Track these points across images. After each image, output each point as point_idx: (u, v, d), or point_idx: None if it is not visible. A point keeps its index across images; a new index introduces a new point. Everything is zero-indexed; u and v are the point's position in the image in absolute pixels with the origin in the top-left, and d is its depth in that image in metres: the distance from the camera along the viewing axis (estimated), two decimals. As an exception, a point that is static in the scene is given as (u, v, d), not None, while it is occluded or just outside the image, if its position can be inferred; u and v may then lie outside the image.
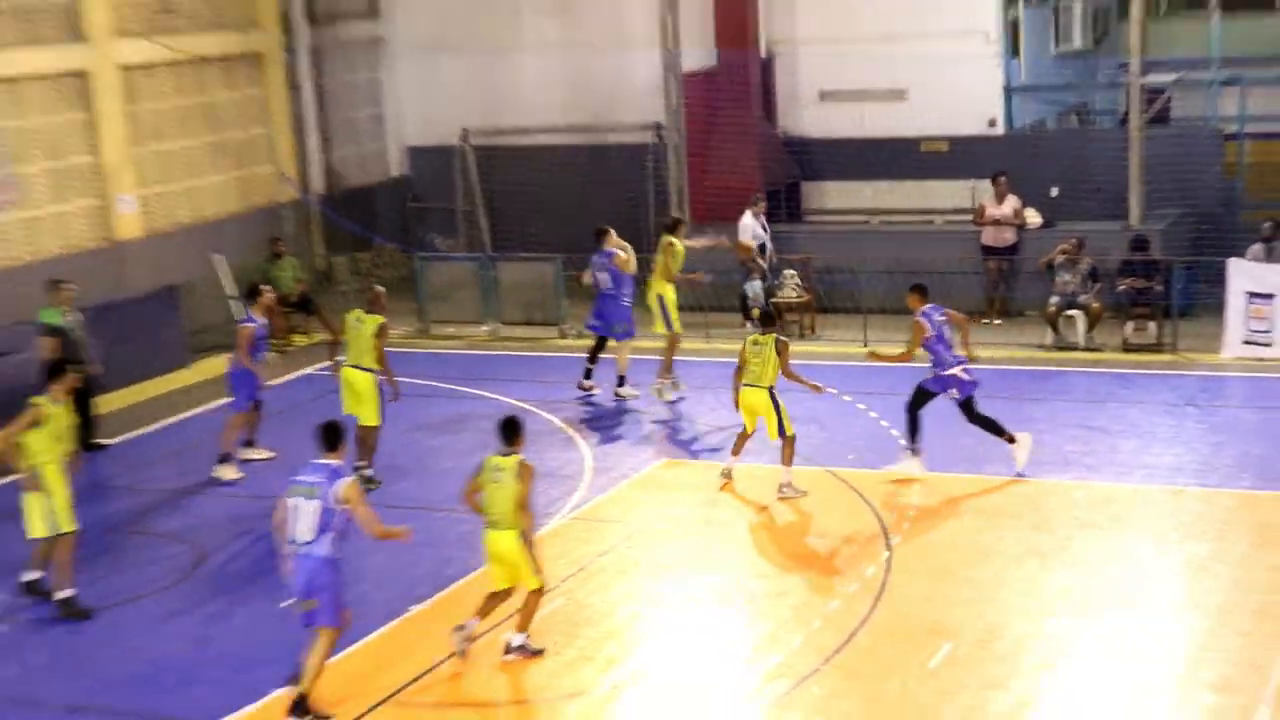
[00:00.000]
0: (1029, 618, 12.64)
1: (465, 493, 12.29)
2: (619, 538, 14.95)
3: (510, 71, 27.19)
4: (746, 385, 15.77)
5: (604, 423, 18.88)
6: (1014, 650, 12.08)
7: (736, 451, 16.22)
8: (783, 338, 15.93)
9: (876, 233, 23.38)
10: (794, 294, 22.85)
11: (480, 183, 27.05)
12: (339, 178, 27.55)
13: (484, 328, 23.84)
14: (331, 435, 11.61)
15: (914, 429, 16.21)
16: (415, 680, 12.06)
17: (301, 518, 11.25)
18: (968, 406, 16.10)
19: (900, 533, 14.72)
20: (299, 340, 23.80)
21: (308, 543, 11.25)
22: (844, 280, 22.89)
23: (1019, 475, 16.00)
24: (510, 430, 12.20)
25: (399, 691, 11.87)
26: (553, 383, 20.78)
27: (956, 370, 15.99)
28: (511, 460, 12.03)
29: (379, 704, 11.69)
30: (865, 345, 20.27)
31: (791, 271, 23.04)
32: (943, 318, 16.11)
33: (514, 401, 19.81)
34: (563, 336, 23.29)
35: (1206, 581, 13.31)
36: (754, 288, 22.93)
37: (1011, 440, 16.21)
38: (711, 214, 25.11)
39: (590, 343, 20.41)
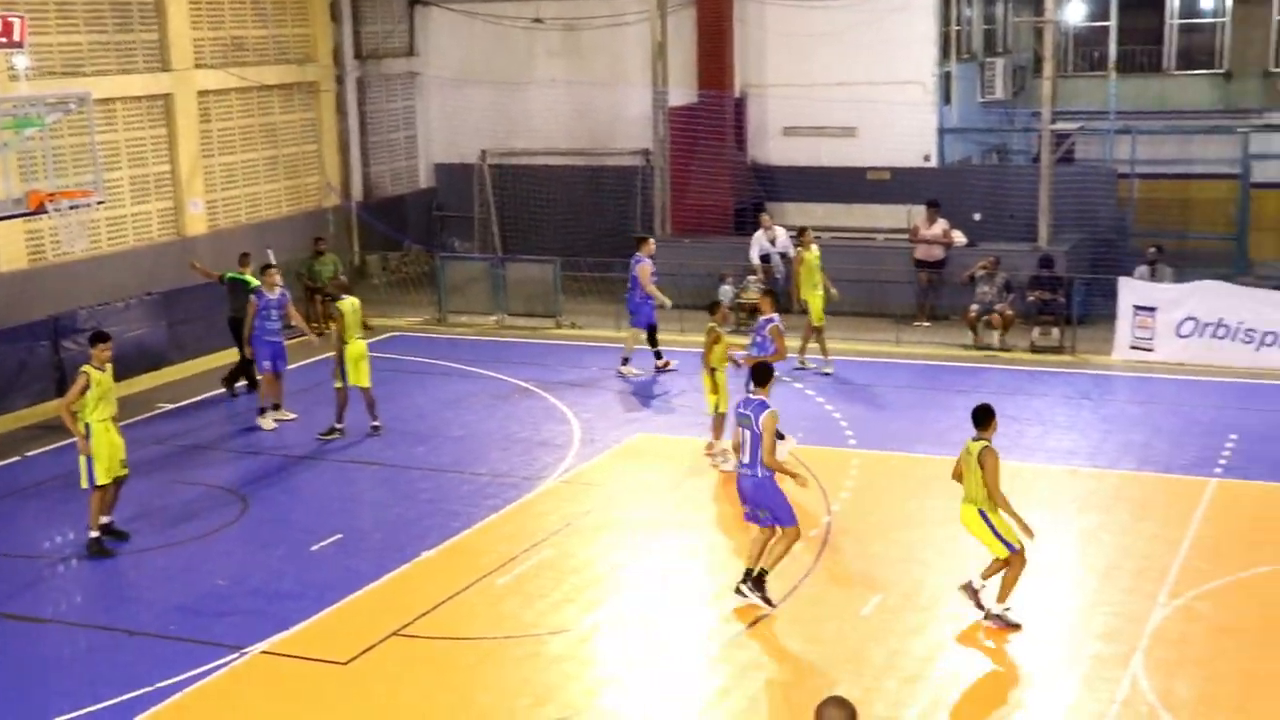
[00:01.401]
0: (947, 575, 12.47)
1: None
2: (601, 499, 14.77)
3: (523, 102, 27.02)
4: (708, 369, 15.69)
5: (592, 401, 18.63)
6: (933, 602, 11.92)
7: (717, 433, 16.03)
8: (720, 329, 15.67)
9: (828, 246, 23.17)
10: (756, 295, 22.58)
11: (494, 195, 26.92)
12: (376, 188, 27.29)
13: (493, 318, 23.60)
14: (762, 374, 11.64)
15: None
16: (421, 616, 11.80)
17: (746, 445, 11.43)
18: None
19: (840, 500, 14.53)
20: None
21: (747, 464, 11.45)
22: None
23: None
24: (982, 416, 11.37)
25: (407, 626, 11.61)
26: (549, 365, 20.59)
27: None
28: (979, 445, 11.33)
29: (389, 636, 11.43)
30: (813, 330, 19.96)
31: (755, 276, 22.87)
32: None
33: (516, 381, 19.61)
34: (559, 326, 23.06)
35: (1095, 547, 13.18)
36: (726, 291, 22.76)
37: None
38: (688, 228, 25.02)
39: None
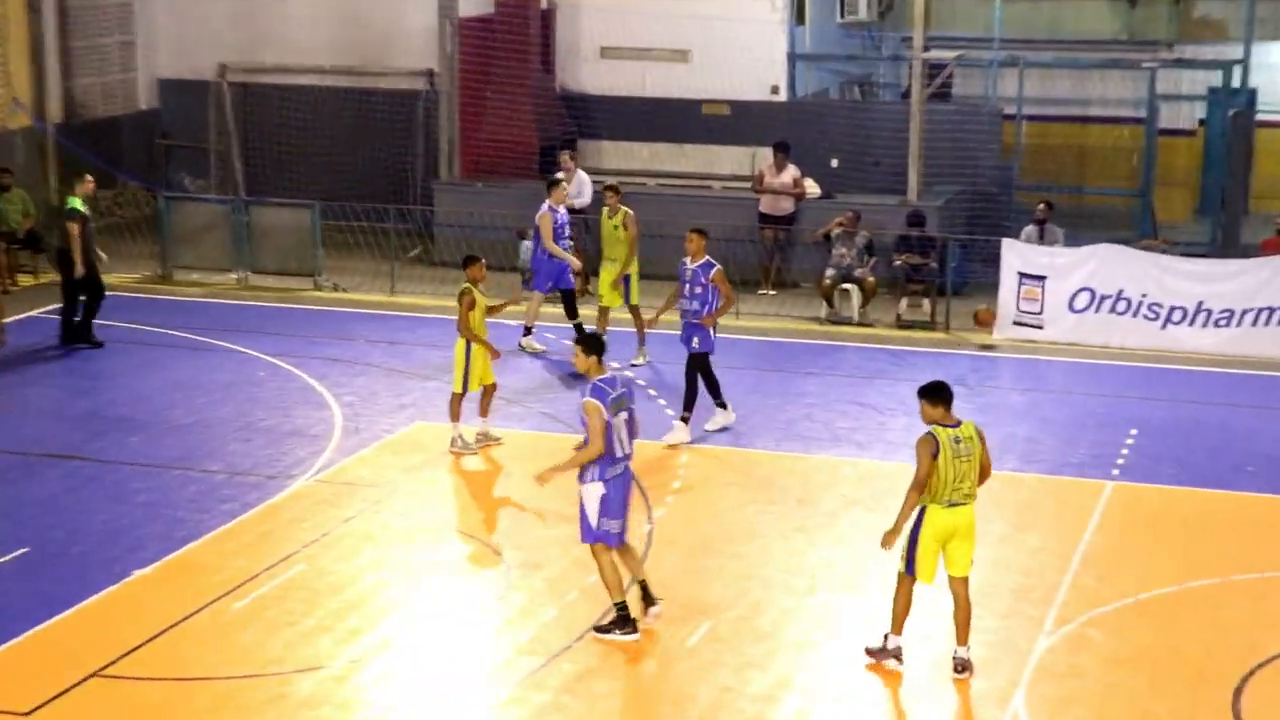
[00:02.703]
0: (792, 594, 12.61)
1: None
2: (367, 502, 14.60)
3: (275, 4, 26.46)
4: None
5: (359, 381, 18.36)
6: (775, 628, 12.03)
7: (484, 411, 16.10)
8: (475, 290, 15.77)
9: (654, 196, 23.28)
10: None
11: (236, 122, 26.43)
12: (81, 107, 26.46)
13: (233, 275, 23.11)
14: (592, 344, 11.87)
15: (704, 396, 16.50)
16: (132, 652, 11.44)
17: (624, 434, 11.74)
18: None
19: (663, 505, 14.58)
20: (25, 281, 22.68)
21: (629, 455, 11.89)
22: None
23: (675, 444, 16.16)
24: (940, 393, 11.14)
25: (112, 664, 11.23)
26: (305, 337, 20.27)
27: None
28: (969, 427, 11.11)
29: (88, 677, 11.04)
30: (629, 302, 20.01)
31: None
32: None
33: (262, 356, 19.22)
34: (318, 288, 22.73)
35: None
36: (526, 249, 22.58)
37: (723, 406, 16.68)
38: (482, 170, 24.82)
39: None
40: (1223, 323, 20.20)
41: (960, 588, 11.25)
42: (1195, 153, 27.50)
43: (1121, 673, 11.39)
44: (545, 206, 19.61)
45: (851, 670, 11.38)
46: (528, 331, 19.75)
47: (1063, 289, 20.66)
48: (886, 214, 22.59)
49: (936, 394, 11.14)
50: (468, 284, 15.83)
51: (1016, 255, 20.99)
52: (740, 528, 14.14)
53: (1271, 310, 20.03)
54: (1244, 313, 20.11)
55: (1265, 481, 15.55)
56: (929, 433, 10.99)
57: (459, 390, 15.89)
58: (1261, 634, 11.97)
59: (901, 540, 11.12)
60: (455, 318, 15.90)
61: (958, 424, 11.06)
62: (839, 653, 11.62)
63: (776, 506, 14.61)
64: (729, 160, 24.77)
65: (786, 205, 23.24)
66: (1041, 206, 22.15)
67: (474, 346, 15.77)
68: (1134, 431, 16.97)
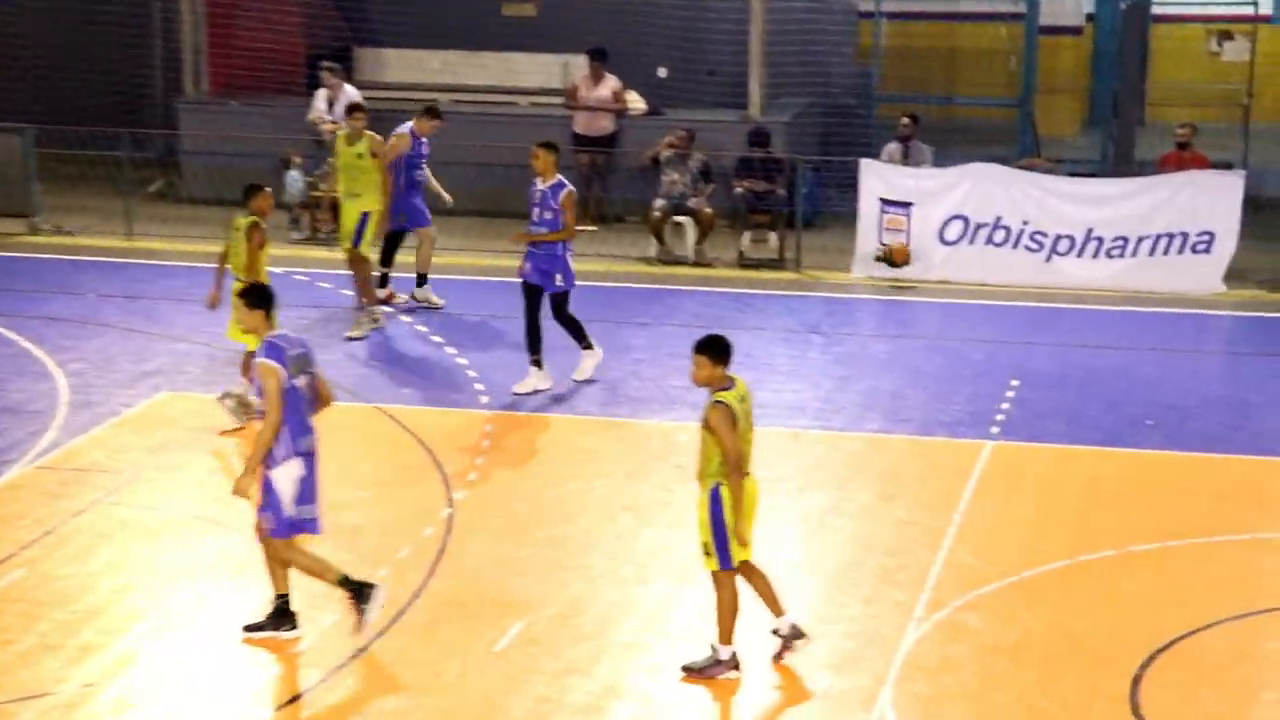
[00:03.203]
0: (620, 585, 12.66)
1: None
2: (102, 491, 14.42)
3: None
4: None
5: (90, 345, 18.08)
6: (601, 626, 12.06)
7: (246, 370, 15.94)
8: (261, 223, 15.71)
9: (448, 114, 23.09)
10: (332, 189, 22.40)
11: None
12: None
13: (-78, 217, 22.69)
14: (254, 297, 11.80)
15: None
16: None
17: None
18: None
19: (465, 485, 14.57)
20: None
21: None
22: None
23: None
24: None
25: None
26: (20, 291, 20.07)
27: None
28: (744, 384, 11.11)
29: None
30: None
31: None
32: None
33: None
34: (35, 232, 22.47)
35: (825, 538, 13.64)
36: (294, 180, 22.39)
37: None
38: (237, 85, 24.46)
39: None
40: (1116, 253, 20.69)
41: (749, 563, 11.34)
42: (1083, 54, 28.09)
43: (1004, 663, 11.58)
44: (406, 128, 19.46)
45: (696, 680, 11.38)
46: (423, 280, 19.66)
47: (932, 217, 20.99)
48: (725, 133, 22.74)
49: (724, 350, 11.10)
50: (254, 217, 15.68)
51: (877, 178, 21.27)
52: (558, 509, 14.16)
53: (1171, 237, 20.55)
54: (1140, 240, 20.61)
55: (1167, 436, 15.99)
56: (721, 402, 10.94)
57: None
58: (1164, 613, 12.25)
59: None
60: (213, 264, 15.67)
61: (733, 383, 11.08)
62: (675, 654, 11.66)
63: (601, 482, 14.65)
64: (536, 71, 24.79)
65: (606, 124, 23.28)
66: (905, 121, 22.44)
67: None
68: (1016, 382, 17.30)
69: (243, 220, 15.64)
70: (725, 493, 11.02)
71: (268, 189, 16.07)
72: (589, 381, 17.00)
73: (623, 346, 18.19)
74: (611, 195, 23.21)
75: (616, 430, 16.01)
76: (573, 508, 14.18)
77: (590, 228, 22.91)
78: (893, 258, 20.92)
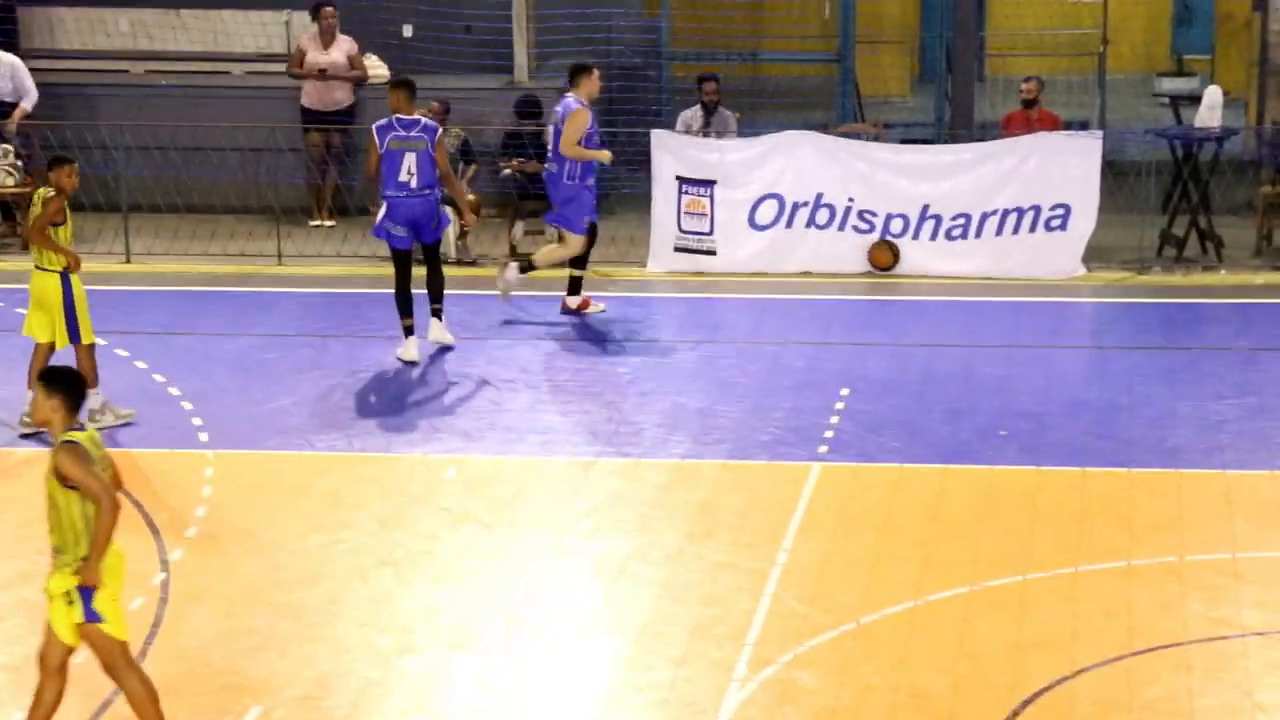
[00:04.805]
0: (378, 658, 12.59)
1: None
2: None
3: None
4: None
5: None
6: (355, 708, 11.99)
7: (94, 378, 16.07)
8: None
9: (141, 87, 22.86)
10: (8, 178, 22.27)
11: None
12: None
13: None
14: None
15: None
16: None
17: None
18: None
19: (182, 542, 14.42)
20: None
21: None
22: (94, 162, 22.13)
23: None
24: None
25: None
26: None
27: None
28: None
29: None
30: (129, 260, 19.73)
31: (6, 147, 22.49)
32: None
33: None
34: None
35: (628, 590, 13.64)
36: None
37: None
38: None
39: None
40: (958, 233, 21.02)
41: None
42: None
43: (843, 728, 11.73)
44: (573, 101, 19.27)
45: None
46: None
47: (740, 198, 21.16)
48: (487, 103, 22.73)
49: (74, 384, 11.01)
50: (55, 191, 15.98)
51: (672, 154, 21.38)
52: (299, 567, 14.06)
53: (1020, 212, 20.88)
54: (985, 217, 20.94)
55: (1022, 449, 16.23)
56: (71, 441, 10.74)
57: (89, 341, 16.07)
58: (1027, 660, 12.42)
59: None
60: None
61: (83, 425, 11.03)
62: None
63: (350, 532, 14.58)
64: (252, 32, 24.62)
65: (341, 95, 23.24)
66: (709, 86, 22.56)
67: (73, 277, 15.97)
68: (845, 391, 17.52)
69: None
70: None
71: (75, 162, 16.34)
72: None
73: (376, 364, 18.11)
74: (352, 182, 23.07)
75: (369, 468, 15.92)
76: (316, 566, 14.07)
77: (327, 222, 22.88)
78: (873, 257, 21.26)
